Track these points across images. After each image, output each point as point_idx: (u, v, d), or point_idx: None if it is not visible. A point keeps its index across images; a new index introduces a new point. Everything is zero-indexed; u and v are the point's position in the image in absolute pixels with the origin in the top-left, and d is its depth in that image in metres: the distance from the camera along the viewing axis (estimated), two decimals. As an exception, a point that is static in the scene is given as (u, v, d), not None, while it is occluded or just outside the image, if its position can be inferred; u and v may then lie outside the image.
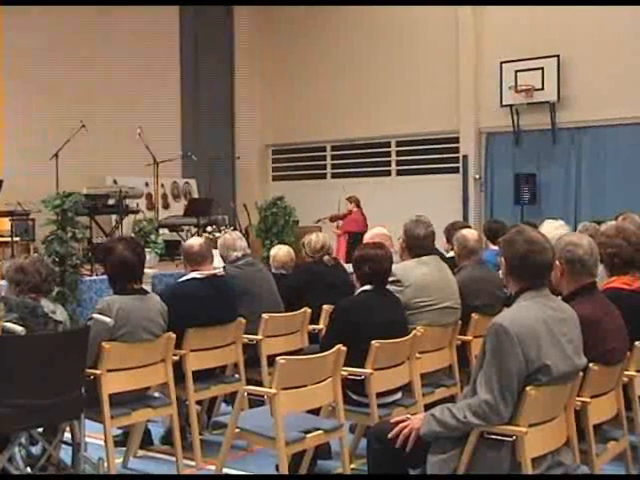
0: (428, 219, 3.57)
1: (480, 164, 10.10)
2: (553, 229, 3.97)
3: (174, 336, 3.21)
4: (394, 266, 3.26)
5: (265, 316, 3.82)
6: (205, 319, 3.43)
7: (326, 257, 4.33)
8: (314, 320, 4.10)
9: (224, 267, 4.07)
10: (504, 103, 9.47)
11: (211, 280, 3.54)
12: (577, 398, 2.32)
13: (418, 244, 3.48)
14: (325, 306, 4.04)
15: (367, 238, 3.93)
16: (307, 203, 10.32)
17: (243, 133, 11.57)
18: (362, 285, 3.16)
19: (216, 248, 4.21)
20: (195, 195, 10.21)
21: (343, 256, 8.20)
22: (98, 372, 2.91)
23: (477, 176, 10.06)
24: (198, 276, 3.52)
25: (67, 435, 2.76)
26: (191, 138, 10.81)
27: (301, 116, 11.19)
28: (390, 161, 11.03)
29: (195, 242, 3.64)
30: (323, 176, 11.58)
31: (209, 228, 7.78)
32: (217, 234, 6.93)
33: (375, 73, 10.51)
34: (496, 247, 4.78)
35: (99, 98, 9.40)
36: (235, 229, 8.17)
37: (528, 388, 2.09)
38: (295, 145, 11.59)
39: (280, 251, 4.67)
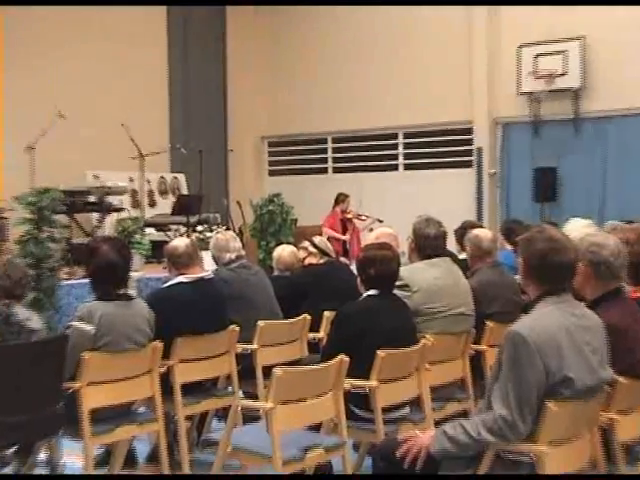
0: (438, 219, 3.57)
1: (495, 157, 10.09)
2: (579, 228, 3.95)
3: (161, 345, 3.22)
4: (402, 269, 3.27)
5: (261, 323, 3.83)
6: (195, 327, 3.44)
7: (342, 258, 4.42)
8: (314, 328, 4.11)
9: (216, 270, 4.09)
10: (522, 90, 9.43)
11: (200, 284, 3.55)
12: (603, 414, 2.29)
13: (428, 245, 3.49)
14: (326, 313, 4.06)
15: (372, 238, 3.93)
16: (307, 200, 10.33)
17: (236, 124, 11.55)
18: (367, 289, 3.17)
19: (205, 249, 4.21)
20: (184, 191, 10.20)
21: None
22: (78, 385, 2.91)
23: (492, 171, 10.06)
24: (185, 280, 3.53)
25: (44, 455, 2.76)
26: (180, 129, 10.81)
27: (300, 105, 11.18)
28: (397, 154, 11.02)
29: (180, 243, 3.65)
30: (324, 171, 11.58)
31: (199, 227, 7.78)
32: (208, 234, 6.94)
33: (381, 59, 10.49)
34: (512, 247, 4.84)
35: (79, 86, 9.39)
36: (228, 229, 8.17)
37: (548, 402, 2.08)
38: (293, 137, 11.58)
39: (284, 251, 4.71)
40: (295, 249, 4.79)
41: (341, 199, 9.16)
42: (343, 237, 9.06)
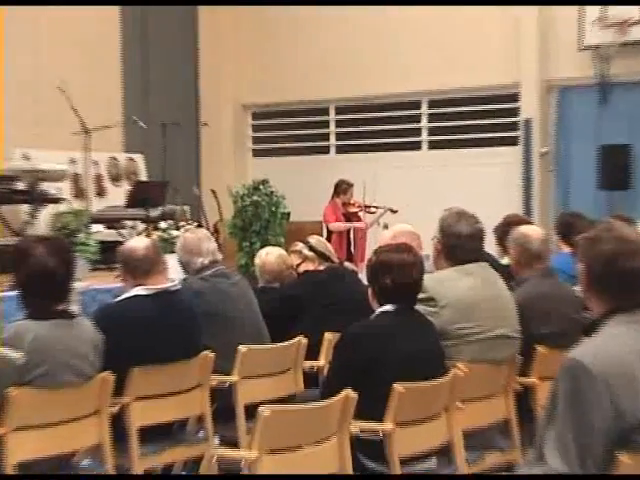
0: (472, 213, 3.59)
1: (549, 132, 10.11)
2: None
3: (112, 378, 3.22)
4: (426, 277, 3.29)
5: (242, 348, 3.85)
6: (157, 353, 3.46)
7: (347, 263, 4.49)
8: (312, 354, 4.15)
9: (185, 279, 4.14)
10: (586, 44, 9.40)
11: (163, 298, 3.57)
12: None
13: (460, 246, 3.51)
14: (328, 335, 4.10)
15: (387, 238, 3.98)
16: (302, 189, 10.36)
17: (211, 91, 11.60)
18: (381, 304, 3.20)
19: (171, 252, 4.23)
20: (143, 177, 10.21)
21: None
22: (1, 431, 2.91)
23: (544, 149, 10.08)
24: (144, 292, 3.55)
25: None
26: (137, 97, 10.83)
27: (292, 66, 11.21)
28: (420, 129, 11.06)
29: (139, 244, 3.67)
30: (325, 150, 11.63)
31: (163, 224, 7.77)
32: (174, 232, 6.94)
33: (398, 5, 10.43)
34: (571, 250, 4.84)
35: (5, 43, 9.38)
36: (200, 226, 8.16)
37: (619, 454, 2.06)
38: (284, 106, 11.62)
39: (269, 256, 4.79)
40: (284, 253, 4.83)
41: (343, 189, 9.21)
42: (359, 224, 9.09)
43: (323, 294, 4.46)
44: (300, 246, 4.89)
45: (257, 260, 4.87)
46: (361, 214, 9.22)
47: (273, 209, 7.82)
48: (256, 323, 4.21)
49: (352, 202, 9.25)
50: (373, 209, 9.34)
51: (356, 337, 3.15)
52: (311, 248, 4.82)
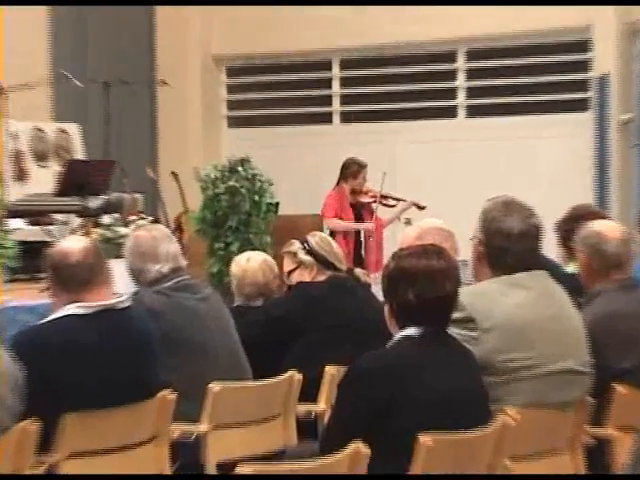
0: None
1: (632, 93, 10.14)
2: None
3: (36, 428, 3.19)
4: (462, 291, 3.30)
5: (215, 387, 3.86)
6: (97, 394, 3.45)
7: (358, 271, 4.53)
8: (308, 395, 4.15)
9: (136, 293, 4.15)
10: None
11: (106, 319, 3.56)
12: None
13: (508, 249, 3.51)
14: (329, 369, 4.10)
15: (411, 237, 4.00)
16: (296, 170, 10.37)
17: (171, 38, 11.62)
18: (402, 327, 3.21)
19: (118, 257, 4.23)
20: (78, 155, 10.20)
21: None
22: None
23: (626, 116, 10.11)
24: (81, 312, 3.53)
25: None
26: (70, 46, 10.83)
27: (280, 5, 11.17)
28: (455, 89, 11.10)
29: (73, 247, 3.65)
30: (326, 118, 11.68)
31: (106, 219, 7.78)
32: (122, 230, 6.94)
33: None
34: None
35: None
36: (157, 221, 8.17)
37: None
38: (270, 59, 11.69)
39: (251, 263, 4.84)
40: (269, 259, 4.83)
41: (352, 171, 9.20)
42: (365, 225, 9.12)
43: (323, 314, 4.49)
44: (296, 246, 4.89)
45: (234, 268, 4.89)
46: (374, 206, 9.22)
47: (256, 198, 7.79)
48: (233, 352, 4.22)
49: (364, 190, 9.23)
50: (392, 201, 9.32)
51: (368, 372, 3.13)
52: (309, 251, 4.84)
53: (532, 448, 3.40)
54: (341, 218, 9.01)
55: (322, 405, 4.11)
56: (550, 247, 4.33)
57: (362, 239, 9.20)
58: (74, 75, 9.38)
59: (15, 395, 3.19)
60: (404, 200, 9.20)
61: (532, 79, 10.51)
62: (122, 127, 10.05)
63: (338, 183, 9.20)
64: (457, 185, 9.86)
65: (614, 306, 3.83)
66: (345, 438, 2.88)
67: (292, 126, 11.57)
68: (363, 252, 9.15)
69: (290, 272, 4.86)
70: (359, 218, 9.21)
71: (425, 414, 3.03)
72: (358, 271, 5.14)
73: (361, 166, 9.19)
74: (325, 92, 11.60)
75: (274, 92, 11.81)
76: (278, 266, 5.03)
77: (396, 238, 5.63)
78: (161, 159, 11.26)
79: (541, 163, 10.05)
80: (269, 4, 10.98)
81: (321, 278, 4.76)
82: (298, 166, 10.54)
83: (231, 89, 12.07)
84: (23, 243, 7.27)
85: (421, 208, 9.05)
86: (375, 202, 9.19)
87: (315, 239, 4.93)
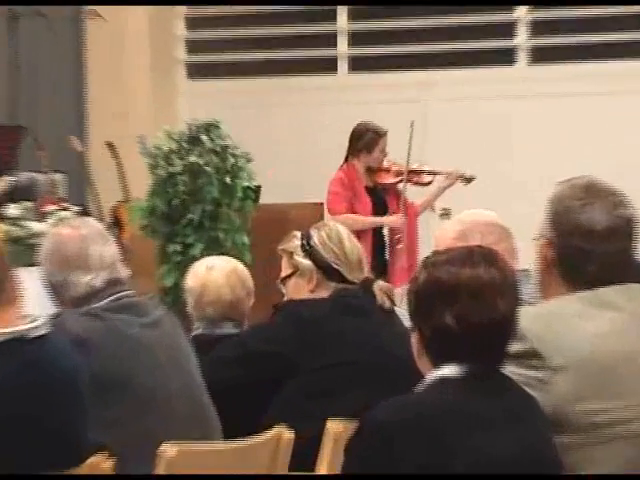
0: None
1: None
2: None
3: None
4: (523, 313, 3.28)
5: (169, 450, 3.84)
6: (4, 458, 3.43)
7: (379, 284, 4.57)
8: (305, 459, 4.16)
9: (56, 316, 4.13)
10: None
11: (14, 352, 3.53)
12: None
13: (589, 252, 3.51)
14: (332, 424, 4.08)
15: (449, 236, 4.06)
16: (285, 140, 10.36)
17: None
18: (436, 363, 3.20)
19: (29, 265, 4.23)
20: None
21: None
22: None
23: None
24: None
25: None
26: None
27: None
28: (513, 24, 11.09)
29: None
30: (329, 66, 11.70)
31: (12, 209, 7.80)
32: (34, 226, 6.96)
33: None
34: None
35: None
36: (86, 213, 8.18)
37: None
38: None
39: (213, 273, 4.94)
40: (240, 269, 4.83)
41: (367, 141, 9.21)
42: (389, 220, 9.09)
43: (322, 347, 4.48)
44: (295, 243, 4.89)
45: (190, 281, 5.00)
46: (401, 186, 9.20)
47: (228, 180, 7.82)
48: (194, 400, 4.23)
49: (386, 166, 9.22)
50: (426, 176, 9.29)
51: (388, 428, 3.10)
52: (310, 253, 4.82)
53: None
54: (354, 211, 8.96)
55: (322, 472, 4.11)
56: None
57: (385, 238, 9.17)
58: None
59: None
60: (442, 173, 9.17)
61: (617, 8, 10.61)
62: (35, 78, 10.07)
63: (347, 159, 9.20)
64: (514, 162, 9.88)
65: None
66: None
67: (280, 77, 11.60)
68: (387, 256, 9.11)
69: (284, 279, 4.87)
70: (381, 207, 9.18)
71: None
72: (380, 285, 4.96)
73: (378, 134, 9.19)
74: (326, 28, 11.64)
75: (254, 28, 11.83)
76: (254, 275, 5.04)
77: (430, 236, 5.60)
78: (91, 124, 11.26)
79: (632, 130, 10.08)
80: None
81: (322, 293, 4.76)
82: (288, 134, 10.56)
83: (192, 23, 12.10)
84: None
85: (468, 180, 9.04)
86: (401, 181, 9.16)
87: (320, 233, 4.87)
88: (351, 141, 9.18)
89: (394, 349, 4.09)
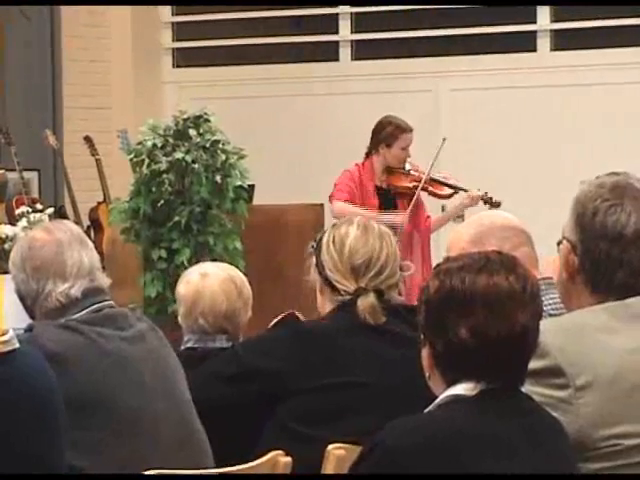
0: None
1: None
2: None
3: None
4: (545, 326, 3.26)
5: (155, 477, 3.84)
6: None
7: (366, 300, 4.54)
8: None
9: (28, 330, 4.20)
10: None
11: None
12: None
13: (618, 259, 3.50)
14: (335, 449, 4.09)
15: (464, 240, 4.09)
16: (282, 135, 10.39)
17: None
18: (449, 381, 3.20)
19: (1, 273, 4.25)
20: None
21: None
22: None
23: None
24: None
25: None
26: None
27: None
28: (533, 10, 11.11)
29: None
30: (330, 52, 11.67)
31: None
32: (4, 229, 6.99)
33: None
34: None
35: None
36: (62, 215, 8.20)
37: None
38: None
39: (207, 280, 4.97)
40: (236, 275, 4.91)
41: (386, 134, 9.19)
42: (391, 217, 9.16)
43: (324, 365, 4.47)
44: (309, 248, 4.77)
45: (182, 288, 4.94)
46: (416, 192, 9.21)
47: (218, 179, 7.84)
48: (182, 422, 4.25)
49: (406, 169, 9.22)
50: (445, 189, 9.29)
51: (396, 452, 3.07)
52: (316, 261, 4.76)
53: None
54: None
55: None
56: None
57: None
58: None
59: None
60: (465, 190, 9.17)
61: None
62: (3, 66, 10.10)
63: (368, 155, 9.19)
64: (536, 158, 9.91)
65: None
66: None
67: (276, 65, 11.62)
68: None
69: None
70: (389, 211, 9.21)
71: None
72: (366, 301, 4.84)
73: (401, 129, 9.20)
74: (327, 10, 11.67)
75: (247, 10, 11.86)
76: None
77: (442, 242, 5.61)
78: (67, 117, 11.29)
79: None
80: None
81: (328, 306, 4.72)
82: (285, 128, 10.58)
83: (179, 6, 12.14)
84: None
85: (494, 205, 9.03)
86: (416, 188, 9.17)
87: (325, 238, 4.78)
88: (373, 133, 9.24)
89: (402, 368, 4.08)
